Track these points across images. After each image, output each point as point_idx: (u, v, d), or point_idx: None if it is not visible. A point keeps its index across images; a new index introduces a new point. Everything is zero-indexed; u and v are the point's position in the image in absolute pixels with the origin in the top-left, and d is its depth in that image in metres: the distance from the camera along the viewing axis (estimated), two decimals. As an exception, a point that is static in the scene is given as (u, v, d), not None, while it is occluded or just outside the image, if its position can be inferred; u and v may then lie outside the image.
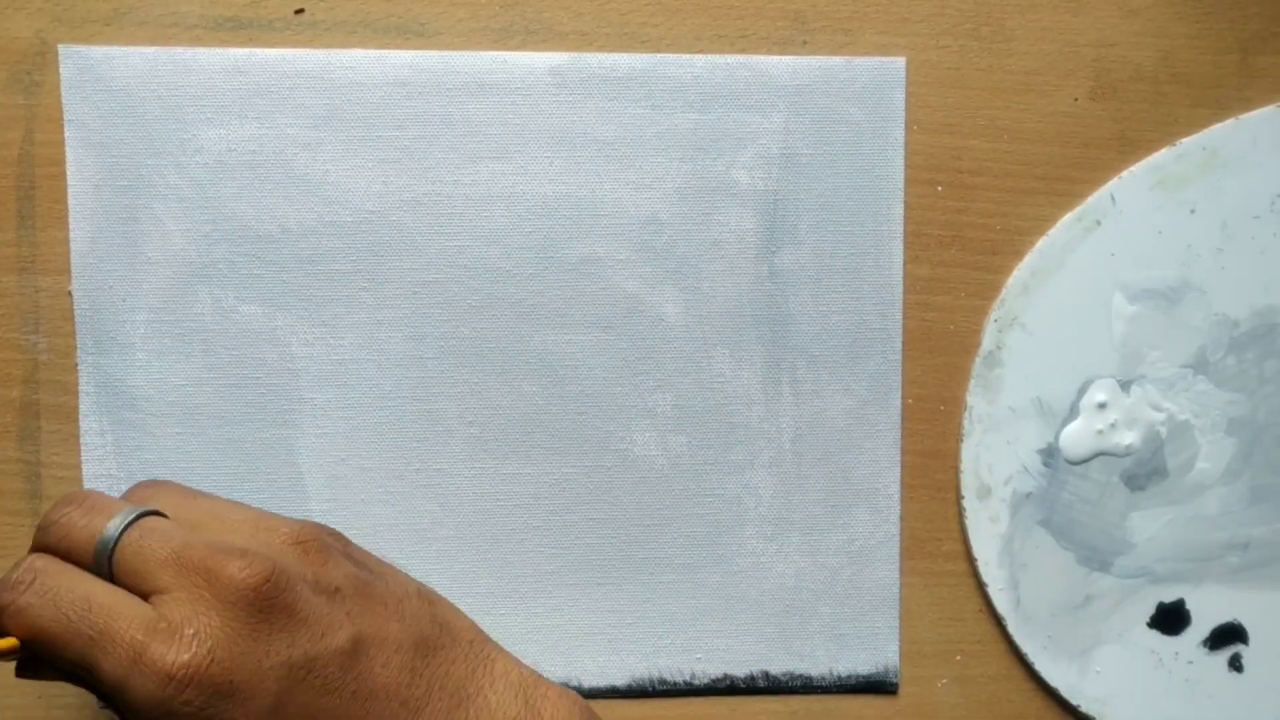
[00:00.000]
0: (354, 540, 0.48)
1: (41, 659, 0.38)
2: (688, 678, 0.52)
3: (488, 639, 0.42)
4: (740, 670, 0.52)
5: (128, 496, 0.42)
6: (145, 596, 0.37)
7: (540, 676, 0.42)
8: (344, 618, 0.39)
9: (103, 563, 0.38)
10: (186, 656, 0.36)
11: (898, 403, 0.51)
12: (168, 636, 0.36)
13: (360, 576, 0.40)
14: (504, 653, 0.42)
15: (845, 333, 0.51)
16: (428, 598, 0.42)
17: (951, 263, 0.51)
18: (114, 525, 0.38)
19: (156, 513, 0.40)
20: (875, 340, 0.51)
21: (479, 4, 0.49)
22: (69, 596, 0.37)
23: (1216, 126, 0.51)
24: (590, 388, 0.50)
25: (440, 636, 0.41)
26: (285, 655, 0.37)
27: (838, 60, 0.50)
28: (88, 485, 0.49)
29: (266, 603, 0.37)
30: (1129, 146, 0.51)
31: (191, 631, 0.36)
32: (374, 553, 0.46)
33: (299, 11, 0.49)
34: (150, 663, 0.35)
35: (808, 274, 0.51)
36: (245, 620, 0.37)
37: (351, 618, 0.39)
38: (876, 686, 0.52)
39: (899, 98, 0.50)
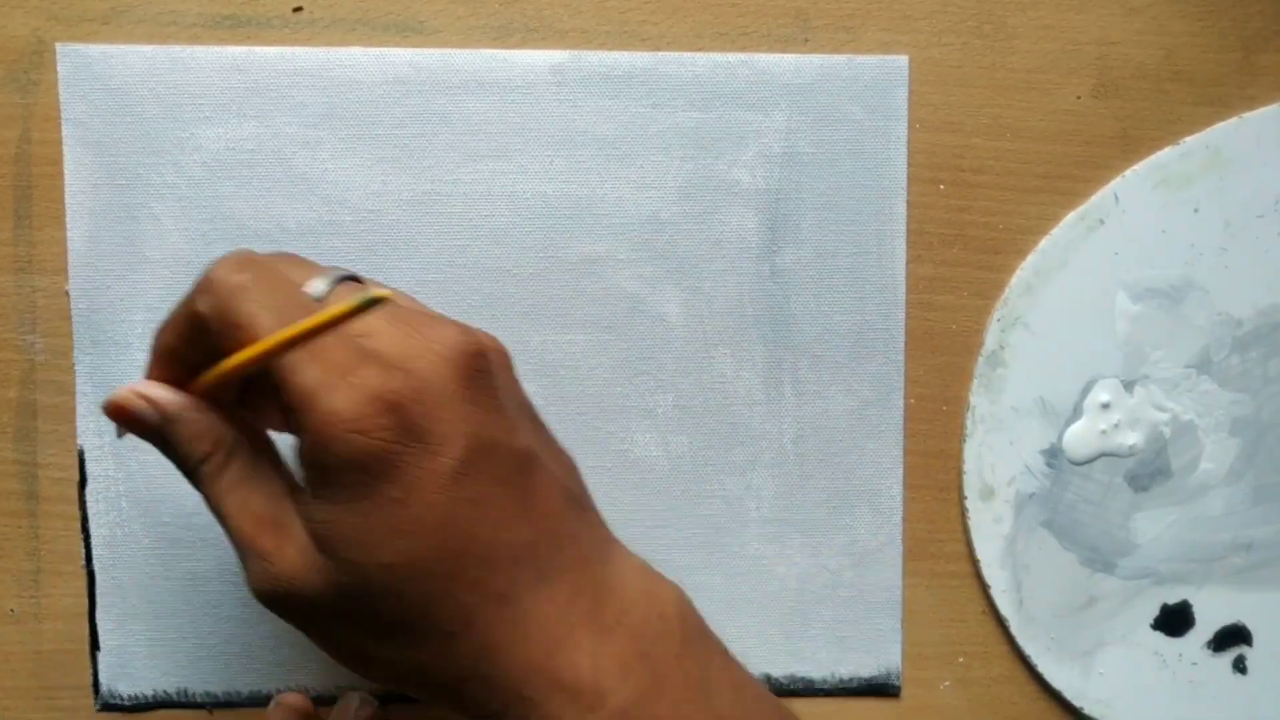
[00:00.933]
0: None
1: (205, 347, 0.37)
2: (689, 680, 0.52)
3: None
4: (741, 672, 0.52)
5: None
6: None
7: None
8: (526, 430, 0.38)
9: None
10: (396, 384, 0.35)
11: (900, 403, 0.51)
12: (380, 365, 0.35)
13: (536, 410, 0.41)
14: (626, 549, 0.42)
15: (847, 332, 0.51)
16: (578, 471, 0.42)
17: (954, 262, 0.51)
18: (321, 281, 0.38)
19: (355, 276, 0.39)
20: (878, 340, 0.51)
21: (478, 1, 0.49)
22: (287, 295, 0.36)
23: (1220, 125, 0.51)
24: (591, 387, 0.50)
25: (586, 500, 0.41)
26: (476, 428, 0.36)
27: (840, 58, 0.50)
28: (87, 488, 0.49)
29: (475, 372, 0.36)
30: (1132, 145, 0.51)
31: (403, 369, 0.35)
32: None
33: (297, 10, 0.49)
34: (361, 379, 0.35)
35: (810, 273, 0.50)
36: (452, 378, 0.36)
37: (530, 435, 0.38)
38: (879, 689, 0.52)
39: (901, 96, 0.50)
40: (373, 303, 0.34)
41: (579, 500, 0.40)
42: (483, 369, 0.37)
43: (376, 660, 0.38)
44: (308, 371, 0.35)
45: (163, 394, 0.38)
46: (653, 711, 0.37)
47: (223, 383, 0.38)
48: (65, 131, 0.48)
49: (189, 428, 0.38)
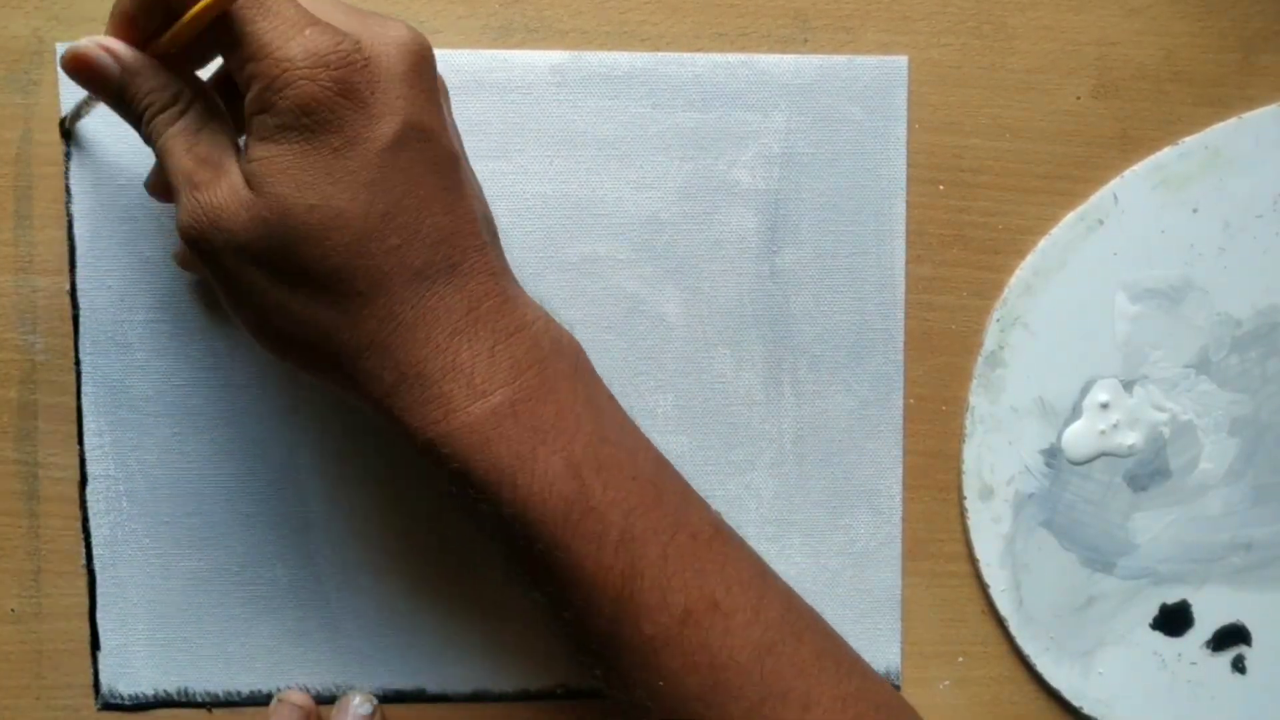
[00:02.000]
0: (351, 540, 0.47)
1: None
2: (688, 680, 0.52)
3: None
4: (741, 672, 0.52)
5: None
6: None
7: None
8: (455, 140, 0.42)
9: None
10: (347, 48, 0.37)
11: (900, 403, 0.51)
12: (333, 30, 0.38)
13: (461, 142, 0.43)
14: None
15: (847, 333, 0.51)
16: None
17: (953, 262, 0.51)
18: None
19: None
20: (877, 340, 0.51)
21: (478, 1, 0.49)
22: None
23: (1219, 125, 0.51)
24: (591, 387, 0.50)
25: (497, 232, 0.44)
26: (416, 113, 0.39)
27: (840, 59, 0.50)
28: (88, 487, 0.49)
29: (420, 64, 0.39)
30: (1131, 145, 0.51)
31: (354, 40, 0.38)
32: (369, 549, 0.48)
33: (298, 10, 0.49)
34: (314, 33, 0.37)
35: (809, 274, 0.50)
36: (399, 61, 0.38)
37: (460, 149, 0.42)
38: (878, 688, 0.52)
39: (901, 96, 0.50)
40: None
41: (492, 226, 0.43)
42: (428, 65, 0.39)
43: (281, 315, 0.39)
44: (264, 22, 0.37)
45: (123, 48, 0.40)
46: (539, 410, 0.39)
47: (179, 41, 0.39)
48: (66, 128, 0.48)
49: (147, 81, 0.40)
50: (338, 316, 0.39)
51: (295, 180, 0.37)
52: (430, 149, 0.39)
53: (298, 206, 0.38)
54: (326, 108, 0.37)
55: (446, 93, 0.43)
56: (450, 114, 0.43)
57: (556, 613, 0.42)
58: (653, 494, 0.41)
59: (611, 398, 0.43)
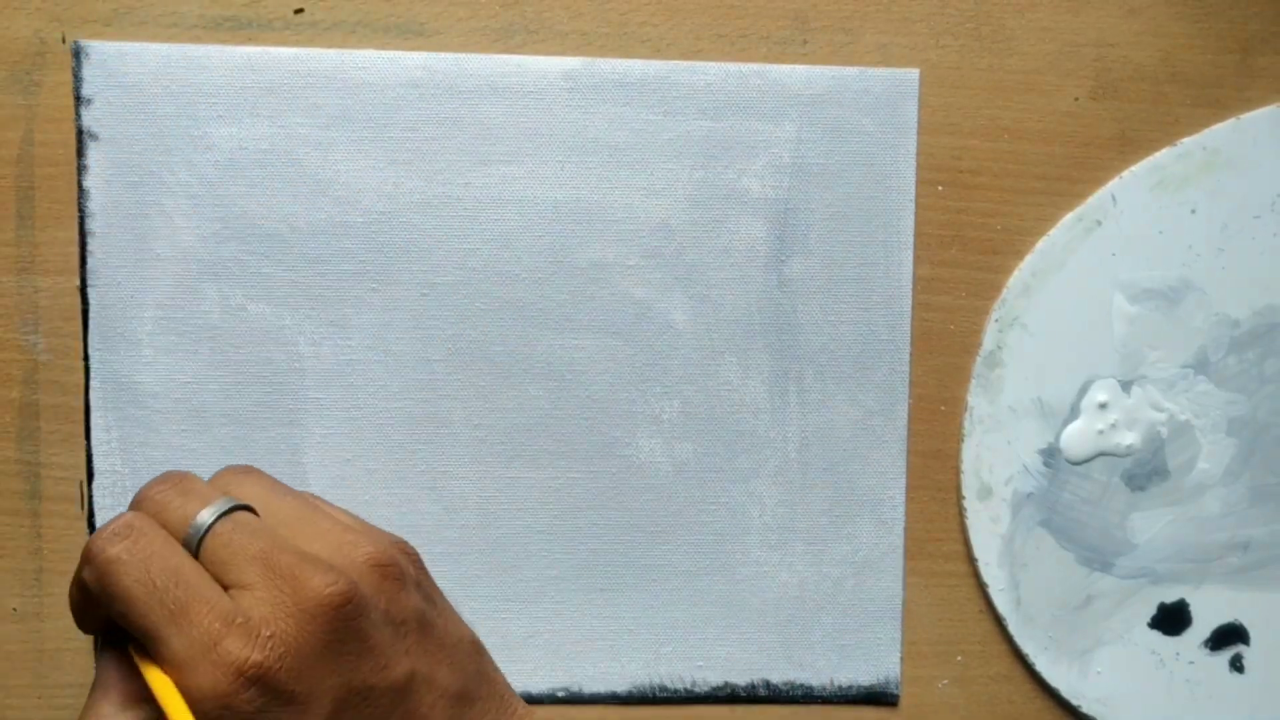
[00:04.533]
0: None
1: (99, 613, 0.38)
2: (689, 685, 0.52)
3: (516, 697, 0.43)
4: (741, 679, 0.52)
5: (214, 482, 0.41)
6: (225, 588, 0.37)
7: None
8: (404, 654, 0.39)
9: (191, 548, 0.37)
10: (259, 657, 0.35)
11: (904, 414, 0.51)
12: (244, 633, 0.35)
13: (426, 614, 0.40)
14: (531, 711, 0.43)
15: (853, 343, 0.51)
16: (478, 647, 0.42)
17: (952, 263, 0.51)
18: (207, 514, 0.38)
19: (248, 508, 0.39)
20: (883, 351, 0.51)
21: (479, 4, 0.49)
22: (160, 564, 0.36)
23: (1217, 126, 0.51)
24: (597, 393, 0.50)
25: (480, 689, 0.41)
26: (346, 678, 0.37)
27: (851, 70, 0.50)
28: (94, 483, 0.49)
29: (342, 624, 0.37)
30: (1129, 146, 0.51)
31: (269, 633, 0.36)
32: None
33: (299, 11, 0.49)
34: (223, 654, 0.35)
35: (817, 283, 0.51)
36: (319, 635, 0.36)
37: (410, 655, 0.39)
38: (877, 697, 0.52)
39: (912, 109, 0.50)
40: None
41: (470, 694, 0.41)
42: (352, 615, 0.37)
43: None
44: (174, 642, 0.35)
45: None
46: None
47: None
48: (82, 125, 0.48)
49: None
50: None
51: None
52: (372, 705, 0.38)
53: None
54: None
55: (399, 575, 0.40)
56: (402, 605, 0.40)
57: None
58: None
59: None
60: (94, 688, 0.38)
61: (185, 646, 0.35)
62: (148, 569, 0.36)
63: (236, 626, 0.35)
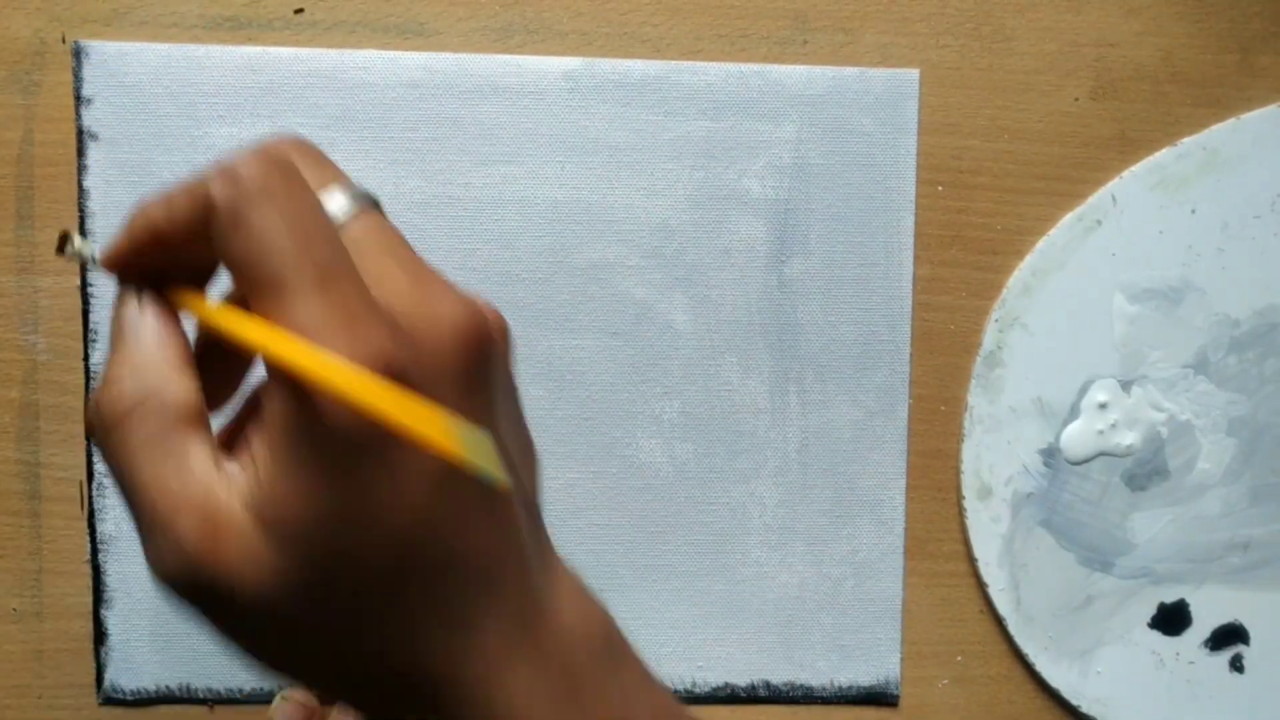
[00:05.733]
0: None
1: (185, 249, 0.31)
2: (689, 685, 0.52)
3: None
4: (741, 679, 0.52)
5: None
6: None
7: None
8: (510, 428, 0.35)
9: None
10: (404, 355, 0.30)
11: (904, 414, 0.51)
12: (390, 326, 0.30)
13: (518, 396, 0.36)
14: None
15: (854, 343, 0.51)
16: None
17: (952, 262, 0.51)
18: (347, 198, 0.32)
19: (378, 206, 0.33)
20: (883, 352, 0.51)
21: (478, 4, 0.49)
22: (315, 217, 0.30)
23: (1217, 126, 0.51)
24: (597, 393, 0.50)
25: (536, 504, 0.37)
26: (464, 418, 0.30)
27: (851, 70, 0.50)
28: (94, 482, 0.49)
29: (478, 361, 0.32)
30: (1130, 146, 0.51)
31: (411, 338, 0.30)
32: None
33: (298, 11, 0.49)
34: (364, 334, 0.29)
35: (817, 284, 0.51)
36: (454, 364, 0.31)
37: (512, 433, 0.35)
38: (877, 698, 0.52)
39: (912, 109, 0.50)
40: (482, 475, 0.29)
41: (532, 506, 0.36)
42: (485, 358, 0.32)
43: (293, 659, 0.32)
44: (313, 304, 0.29)
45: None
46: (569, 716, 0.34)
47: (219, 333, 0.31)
48: (82, 125, 0.48)
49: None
50: (359, 666, 0.32)
51: (328, 531, 0.30)
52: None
53: (327, 560, 0.30)
54: (373, 436, 0.29)
55: (508, 344, 0.35)
56: (508, 376, 0.35)
57: None
58: None
59: (649, 678, 0.38)
60: (123, 340, 0.32)
61: (324, 312, 0.29)
62: (302, 215, 0.30)
63: (382, 316, 0.30)
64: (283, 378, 0.29)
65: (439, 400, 0.30)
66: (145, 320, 0.32)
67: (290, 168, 0.31)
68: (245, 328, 0.30)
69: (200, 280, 0.33)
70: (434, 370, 0.30)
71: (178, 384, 0.31)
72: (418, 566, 0.31)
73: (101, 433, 0.31)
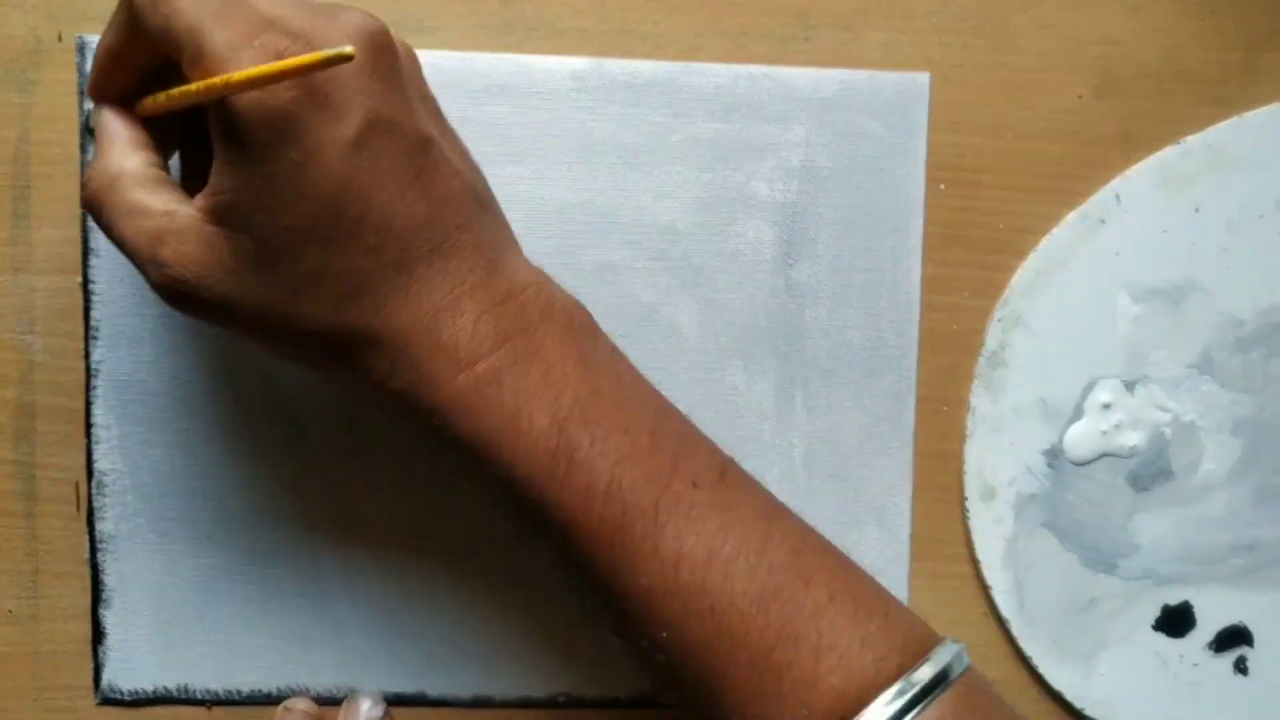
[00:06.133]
0: (356, 542, 0.49)
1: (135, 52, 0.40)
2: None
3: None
4: (745, 678, 0.52)
5: None
6: None
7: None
8: (427, 119, 0.41)
9: None
10: (300, 49, 0.36)
11: (911, 420, 0.51)
12: (284, 32, 0.37)
13: (440, 111, 0.43)
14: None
15: (860, 349, 0.50)
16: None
17: (954, 261, 0.51)
18: None
19: None
20: (890, 357, 0.51)
21: (477, 1, 0.49)
22: None
23: (1221, 124, 0.51)
24: (599, 393, 0.50)
25: (487, 198, 0.43)
26: (376, 104, 0.38)
27: (861, 73, 0.50)
28: (92, 480, 0.49)
29: (379, 53, 0.38)
30: (1133, 144, 0.51)
31: (308, 38, 0.37)
32: (374, 551, 0.49)
33: (297, 9, 0.48)
34: (264, 42, 0.36)
35: (824, 288, 0.50)
36: (362, 57, 0.38)
37: (432, 125, 0.41)
38: (880, 699, 0.52)
39: (922, 113, 0.50)
40: (343, 58, 0.33)
41: (480, 195, 0.42)
42: (387, 52, 0.38)
43: (277, 325, 0.39)
44: (216, 37, 0.36)
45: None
46: (525, 373, 0.40)
47: (168, 109, 0.40)
48: (85, 120, 0.48)
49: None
50: (325, 317, 0.39)
51: (266, 205, 0.37)
52: (397, 139, 0.38)
53: (273, 230, 0.38)
54: (285, 119, 0.36)
55: (416, 62, 0.42)
56: (421, 86, 0.42)
57: (562, 568, 0.42)
58: (647, 444, 0.41)
59: (614, 352, 0.43)
60: (98, 143, 0.41)
61: (227, 39, 0.36)
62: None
63: (275, 25, 0.37)
64: (213, 107, 0.37)
65: (347, 84, 0.37)
66: (113, 124, 0.41)
67: None
68: (178, 92, 0.38)
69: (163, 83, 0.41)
70: (352, 68, 0.37)
71: (136, 160, 0.40)
72: (350, 222, 0.38)
73: (95, 207, 0.40)
